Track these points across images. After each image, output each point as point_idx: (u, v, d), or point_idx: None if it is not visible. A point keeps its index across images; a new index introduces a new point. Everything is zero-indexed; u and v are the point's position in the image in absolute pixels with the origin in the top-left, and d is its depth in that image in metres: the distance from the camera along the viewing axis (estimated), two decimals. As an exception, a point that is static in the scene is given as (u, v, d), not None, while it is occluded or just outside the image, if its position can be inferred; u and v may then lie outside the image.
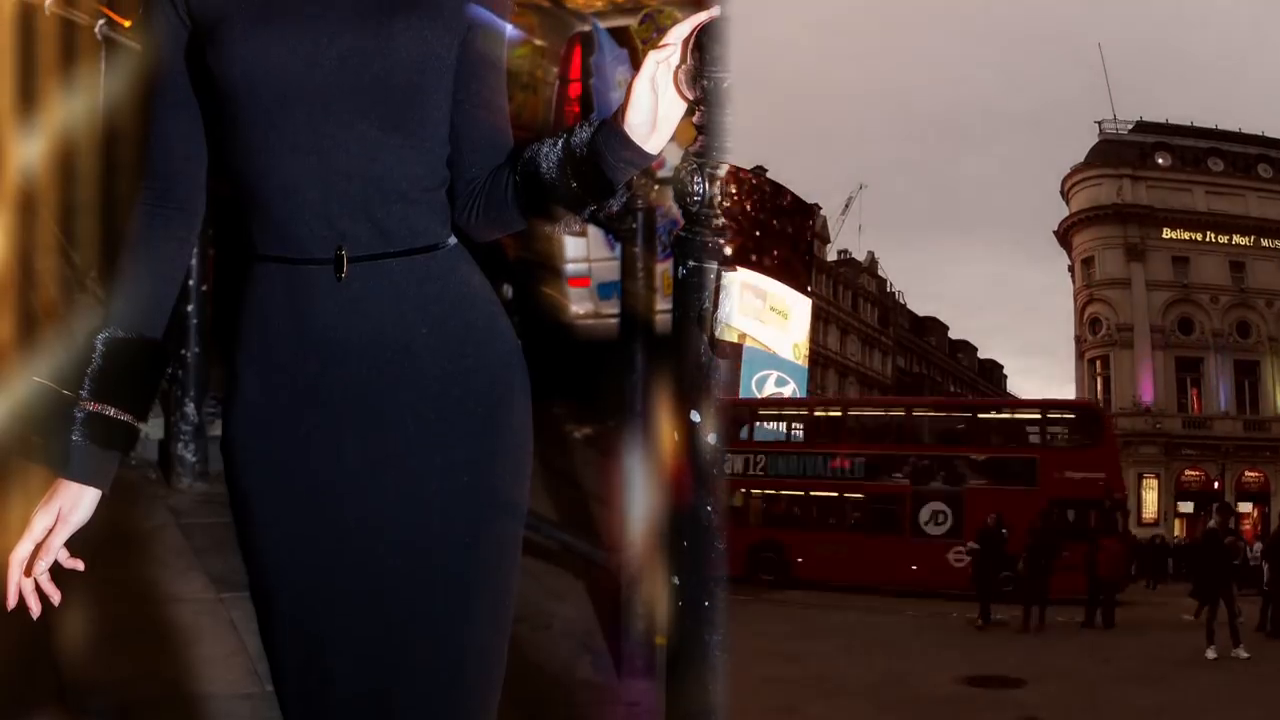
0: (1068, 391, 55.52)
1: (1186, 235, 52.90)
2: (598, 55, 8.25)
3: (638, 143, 2.31)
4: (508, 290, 7.34)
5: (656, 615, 5.23)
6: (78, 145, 7.81)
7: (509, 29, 2.55)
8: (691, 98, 2.29)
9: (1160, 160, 53.86)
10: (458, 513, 2.42)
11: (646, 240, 6.08)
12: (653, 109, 2.29)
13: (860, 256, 67.43)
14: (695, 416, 4.84)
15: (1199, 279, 52.54)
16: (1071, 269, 56.15)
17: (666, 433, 5.04)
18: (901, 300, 70.38)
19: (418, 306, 2.40)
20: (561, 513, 6.79)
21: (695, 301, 5.00)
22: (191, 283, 6.40)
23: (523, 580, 2.55)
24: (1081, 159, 55.38)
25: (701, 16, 2.30)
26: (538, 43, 8.69)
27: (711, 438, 4.84)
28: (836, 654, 16.89)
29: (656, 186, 6.02)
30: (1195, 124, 54.51)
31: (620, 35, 8.44)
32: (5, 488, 5.28)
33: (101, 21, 7.94)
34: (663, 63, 2.28)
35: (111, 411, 2.40)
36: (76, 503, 2.38)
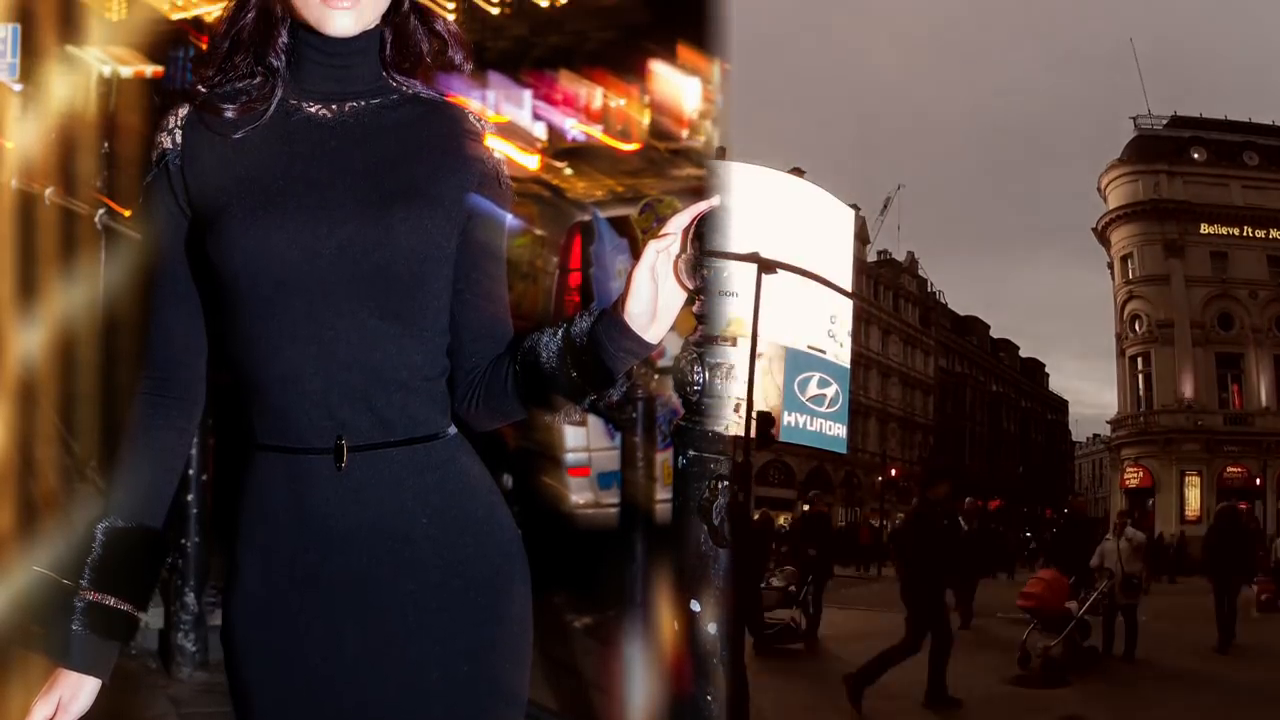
0: (1109, 390, 55.04)
1: (1224, 230, 52.24)
2: (597, 244, 8.32)
3: (638, 332, 2.30)
4: (508, 480, 7.34)
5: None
6: (77, 334, 7.85)
7: (509, 218, 2.57)
8: (692, 287, 2.29)
9: (1195, 155, 53.37)
10: (458, 703, 2.39)
11: (646, 430, 6.09)
12: (653, 298, 2.29)
13: (900, 257, 67.23)
14: (695, 606, 4.82)
15: (1238, 274, 51.90)
16: (1110, 266, 55.79)
17: (666, 622, 5.01)
18: (942, 300, 70.03)
19: (418, 496, 2.39)
20: (562, 702, 6.72)
21: (695, 491, 5.00)
22: (191, 472, 6.39)
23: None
24: (1117, 155, 55.24)
25: (701, 206, 2.31)
26: (538, 232, 8.78)
27: (711, 627, 4.81)
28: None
29: (656, 376, 6.06)
30: (1229, 118, 54.35)
31: (620, 224, 8.52)
32: (5, 677, 5.24)
33: (101, 211, 8.03)
34: (663, 252, 2.28)
35: (112, 601, 2.38)
36: (77, 692, 2.36)
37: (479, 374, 2.50)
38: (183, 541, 6.63)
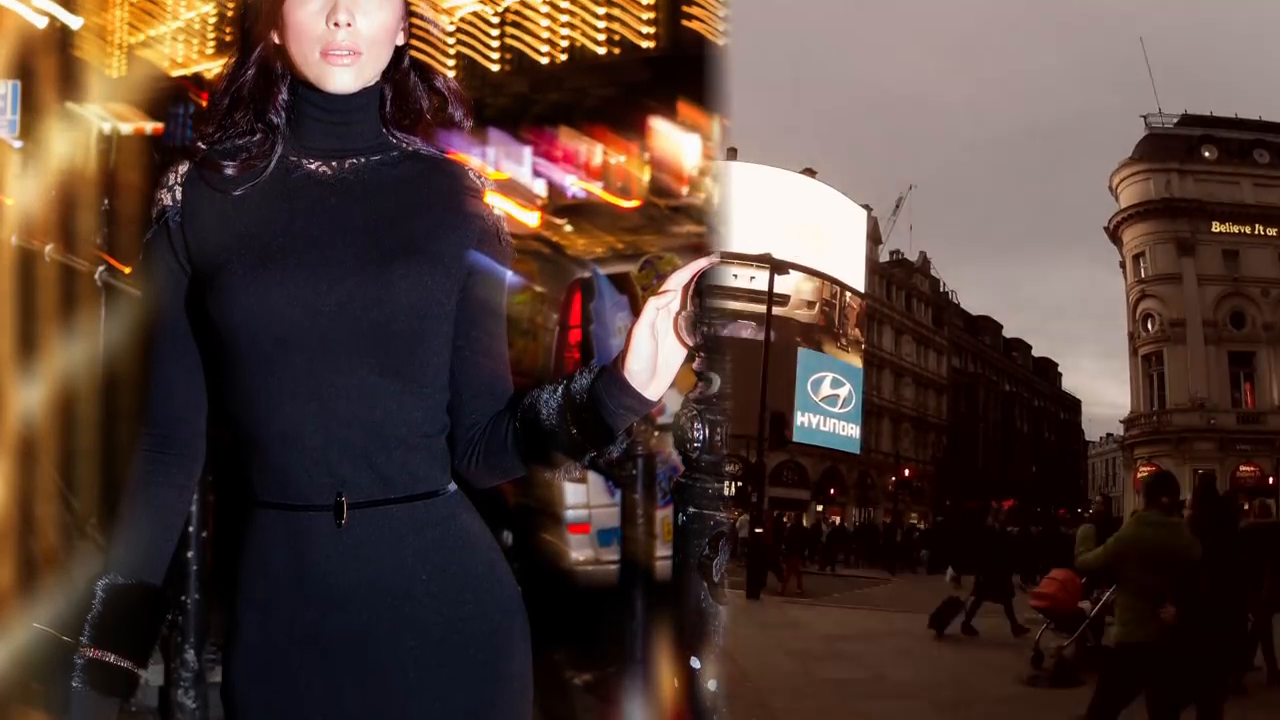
0: (1123, 389, 54.93)
1: (1235, 228, 52.31)
2: (598, 301, 8.33)
3: (638, 389, 2.30)
4: (508, 537, 7.32)
5: None
6: (78, 391, 7.85)
7: (509, 275, 2.57)
8: (692, 344, 2.30)
9: (1206, 153, 53.42)
10: None
11: (646, 487, 6.09)
12: (653, 355, 2.29)
13: (912, 257, 67.13)
14: (695, 663, 4.81)
15: (1249, 272, 51.89)
16: (1123, 265, 55.57)
17: (667, 679, 5.00)
18: (955, 299, 69.85)
19: (418, 553, 2.38)
20: (561, 760, 6.70)
21: (696, 548, 5.00)
22: (191, 529, 6.38)
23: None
24: (1129, 154, 55.13)
25: (702, 263, 2.32)
26: (538, 289, 8.78)
27: (712, 684, 4.80)
28: (895, 655, 16.91)
29: (657, 433, 6.06)
30: (1239, 116, 54.28)
31: (620, 281, 8.53)
32: (6, 735, 5.22)
33: (102, 268, 8.02)
34: (663, 309, 2.29)
35: (112, 658, 2.38)
36: None
37: (479, 431, 2.50)
38: (183, 598, 6.61)
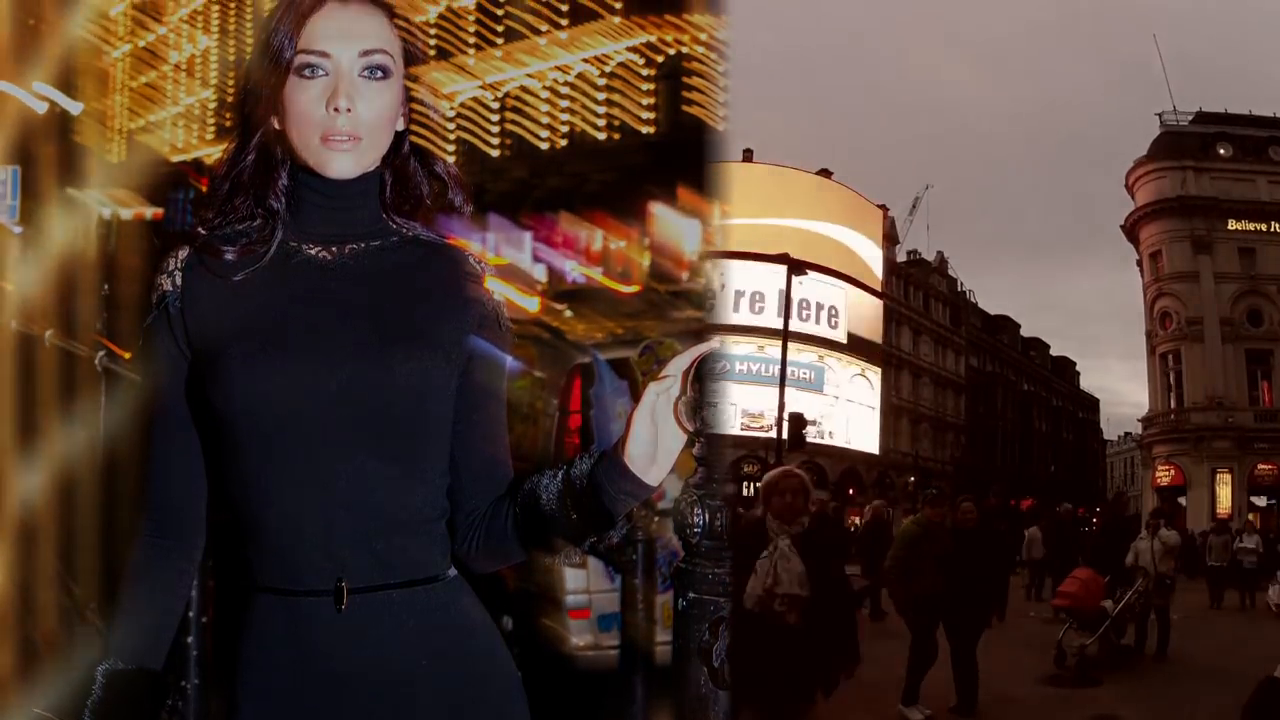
0: (1140, 388, 54.44)
1: (1252, 226, 51.77)
2: (597, 386, 8.34)
3: (638, 474, 2.30)
4: (508, 622, 7.30)
5: None
6: (78, 476, 7.84)
7: (509, 361, 2.58)
8: (691, 429, 2.29)
9: (1222, 151, 53.01)
10: None
11: (646, 572, 6.07)
12: (653, 440, 2.29)
13: (929, 256, 66.79)
14: (696, 749, 4.79)
15: (1266, 270, 51.40)
16: (1139, 263, 55.22)
17: (667, 764, 4.98)
18: (973, 299, 69.43)
19: (418, 638, 2.37)
20: None
21: (696, 633, 4.98)
22: (191, 614, 6.36)
23: None
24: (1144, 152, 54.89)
25: (701, 348, 2.32)
26: (537, 374, 8.79)
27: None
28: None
29: (657, 518, 6.04)
30: (1254, 113, 54.00)
31: (620, 367, 8.54)
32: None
33: (101, 353, 8.03)
34: (663, 394, 2.29)
35: None
36: None
37: (479, 515, 2.49)
38: (183, 684, 6.57)
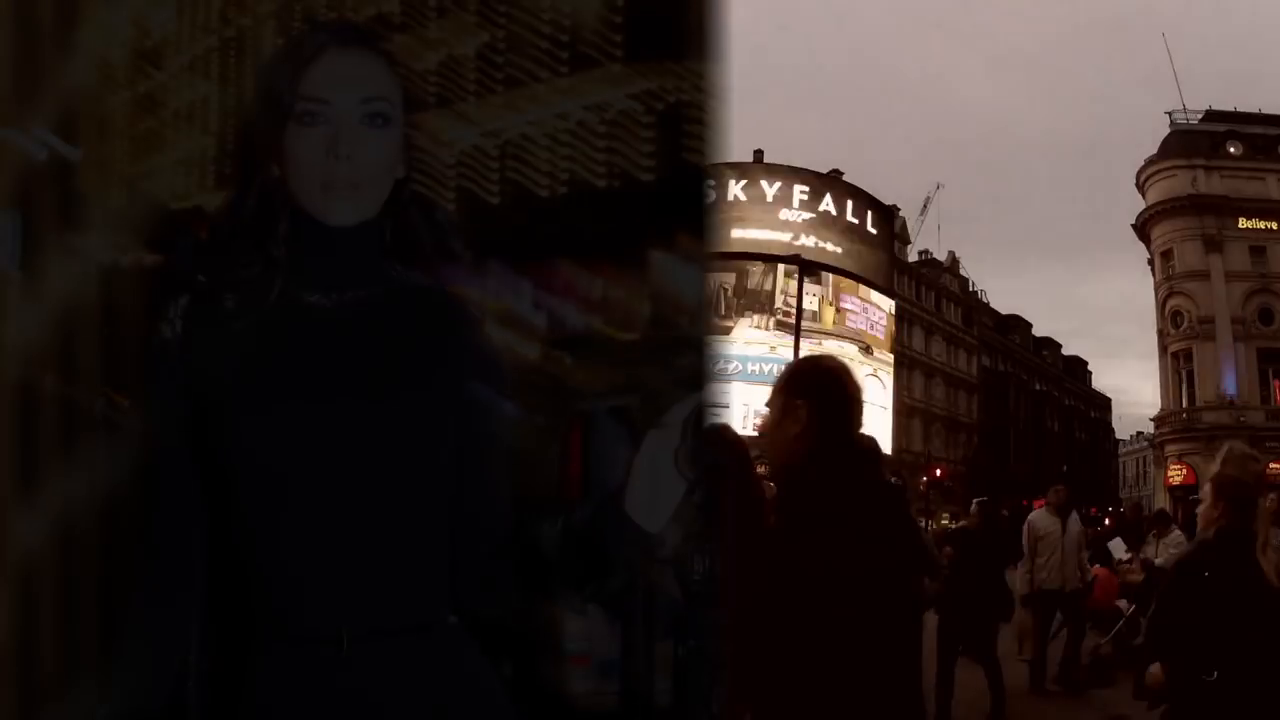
0: (1152, 387, 54.26)
1: (1262, 224, 51.66)
2: (597, 434, 8.33)
3: (638, 522, 2.31)
4: (508, 668, 7.28)
5: None
6: (77, 525, 7.83)
7: (508, 408, 2.58)
8: (691, 477, 2.30)
9: (1232, 149, 52.90)
10: None
11: (647, 619, 6.06)
12: (653, 489, 2.30)
13: (941, 256, 66.56)
14: (698, 797, 4.78)
15: (1276, 268, 51.27)
16: (1151, 262, 55.03)
17: (668, 814, 4.96)
18: (984, 299, 69.15)
19: (419, 685, 2.36)
20: None
21: (697, 680, 4.98)
22: (191, 660, 6.35)
23: None
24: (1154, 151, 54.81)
25: (700, 397, 2.33)
26: (537, 421, 8.78)
27: (714, 819, 4.76)
28: (925, 657, 16.42)
29: (657, 565, 6.04)
30: (1263, 111, 53.93)
31: (620, 414, 8.54)
32: None
33: (101, 401, 8.03)
34: (662, 443, 2.30)
35: None
36: None
37: (479, 562, 2.49)
38: (181, 732, 6.56)
